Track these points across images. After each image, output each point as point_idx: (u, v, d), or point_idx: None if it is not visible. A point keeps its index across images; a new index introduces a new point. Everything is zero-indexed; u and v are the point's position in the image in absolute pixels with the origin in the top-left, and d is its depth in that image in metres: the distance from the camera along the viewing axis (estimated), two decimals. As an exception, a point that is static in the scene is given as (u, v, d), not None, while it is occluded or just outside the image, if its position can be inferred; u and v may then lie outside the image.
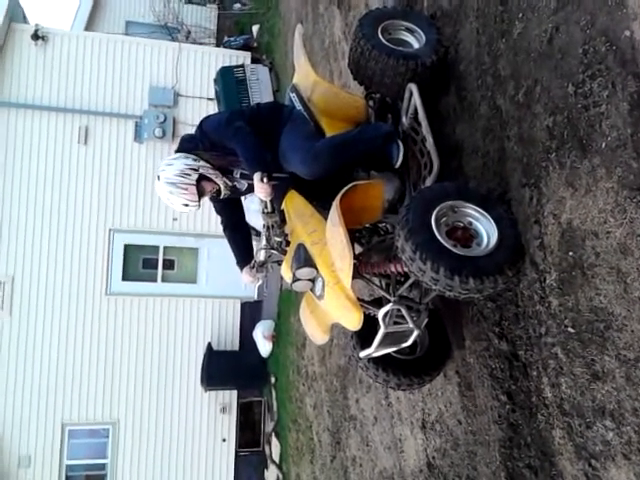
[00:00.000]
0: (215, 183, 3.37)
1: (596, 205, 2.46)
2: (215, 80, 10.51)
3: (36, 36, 10.10)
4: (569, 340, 2.66)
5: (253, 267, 3.54)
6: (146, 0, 15.05)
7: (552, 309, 2.75)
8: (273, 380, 10.05)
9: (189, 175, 3.27)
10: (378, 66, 3.48)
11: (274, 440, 9.91)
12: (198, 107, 10.91)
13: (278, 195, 3.30)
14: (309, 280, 3.09)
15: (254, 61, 11.43)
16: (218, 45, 13.59)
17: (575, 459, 2.69)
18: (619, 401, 2.41)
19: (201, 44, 13.20)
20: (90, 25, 14.84)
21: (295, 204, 3.31)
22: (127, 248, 10.37)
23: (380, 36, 3.56)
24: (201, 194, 3.33)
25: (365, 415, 5.51)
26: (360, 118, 3.67)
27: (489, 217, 2.78)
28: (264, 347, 9.93)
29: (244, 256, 3.67)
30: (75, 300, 9.99)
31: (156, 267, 10.60)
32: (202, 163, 3.34)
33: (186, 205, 3.32)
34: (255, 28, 12.19)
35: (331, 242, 2.91)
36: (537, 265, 2.83)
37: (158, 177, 3.31)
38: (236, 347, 10.60)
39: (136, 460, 10.08)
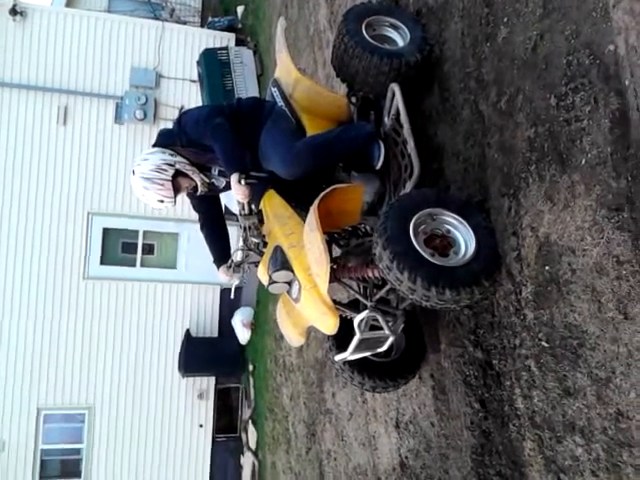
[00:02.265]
0: (192, 179, 3.31)
1: (574, 221, 2.43)
2: (198, 62, 10.33)
3: (14, 11, 9.78)
4: (542, 354, 2.66)
5: (230, 267, 3.49)
6: (130, -25, 14.72)
7: (527, 322, 2.74)
8: (251, 368, 10.05)
9: (165, 170, 3.21)
10: (361, 64, 3.42)
11: (251, 427, 9.95)
12: (180, 89, 10.73)
13: (257, 194, 3.23)
14: (286, 283, 3.05)
15: (238, 43, 11.23)
16: (202, 24, 13.35)
17: (544, 471, 2.71)
18: (589, 418, 2.42)
19: (185, 23, 12.95)
20: (72, 1, 14.47)
21: (273, 204, 3.25)
22: (106, 232, 10.23)
23: (364, 32, 3.50)
24: (177, 190, 3.27)
25: (341, 410, 5.51)
26: (342, 117, 3.61)
27: (467, 225, 2.78)
28: (243, 335, 9.91)
29: (221, 255, 3.61)
30: (52, 283, 9.84)
31: (135, 252, 10.47)
32: (179, 158, 3.28)
33: (161, 201, 3.26)
34: (240, 9, 11.96)
35: (308, 247, 2.87)
36: (513, 277, 2.81)
37: (133, 172, 3.24)
38: (215, 334, 10.53)
39: (112, 445, 10.03)
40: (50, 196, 9.91)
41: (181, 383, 10.29)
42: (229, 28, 11.61)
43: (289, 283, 3.05)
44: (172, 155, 3.27)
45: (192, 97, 10.63)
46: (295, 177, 3.20)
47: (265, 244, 3.30)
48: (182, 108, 10.49)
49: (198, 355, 9.86)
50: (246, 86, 10.15)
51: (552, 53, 2.61)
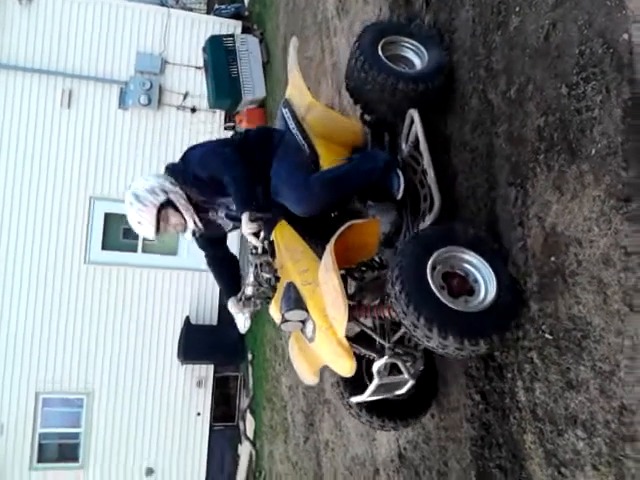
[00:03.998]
0: (182, 218, 3.13)
1: (582, 212, 2.40)
2: (204, 49, 10.28)
3: (21, -5, 9.77)
4: (546, 346, 2.63)
5: (240, 300, 3.33)
6: (137, -40, 14.63)
7: (531, 313, 2.71)
8: (250, 357, 10.05)
9: (157, 195, 3.06)
10: (377, 87, 3.25)
11: (249, 416, 9.96)
12: (185, 75, 10.67)
13: (268, 225, 3.09)
14: (299, 321, 2.89)
15: (245, 31, 11.17)
16: (209, 12, 13.27)
17: (545, 465, 2.68)
18: (592, 412, 2.39)
19: (191, 10, 12.88)
20: (78, -16, 14.40)
21: (286, 237, 3.09)
22: (108, 217, 10.19)
23: (380, 54, 3.32)
24: (163, 220, 3.10)
25: (339, 400, 5.49)
26: (357, 142, 3.50)
27: (489, 267, 2.67)
28: (242, 323, 9.87)
29: (230, 289, 3.48)
30: (53, 267, 9.83)
31: (137, 237, 10.32)
32: (177, 190, 3.11)
33: (139, 223, 3.09)
34: (247, -4, 11.92)
35: (324, 287, 2.74)
36: (518, 267, 2.78)
37: (130, 186, 3.15)
38: (214, 322, 10.51)
39: (110, 431, 10.03)
40: (52, 179, 9.89)
41: (180, 370, 10.30)
42: (235, 15, 11.55)
43: (303, 322, 2.90)
44: (172, 185, 3.12)
45: (197, 84, 10.59)
46: (310, 215, 3.08)
47: (277, 279, 3.12)
48: (187, 94, 10.45)
49: (197, 342, 9.85)
50: (252, 74, 10.11)
51: (564, 42, 2.57)
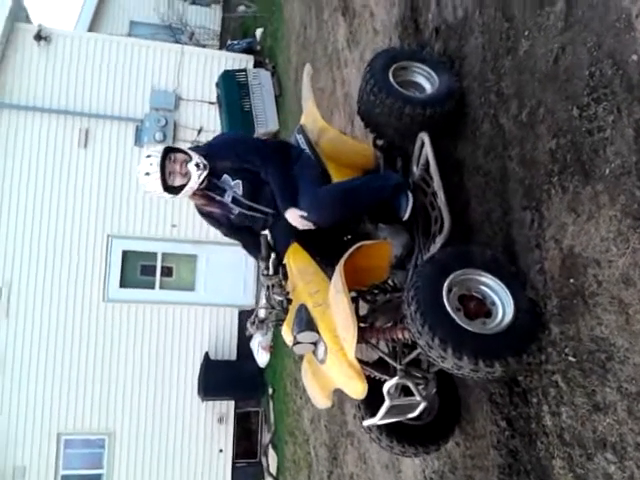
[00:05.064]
0: (187, 154, 3.22)
1: (598, 232, 2.39)
2: (217, 84, 10.47)
3: (39, 36, 10.04)
4: (570, 369, 2.59)
5: (253, 323, 3.36)
6: (150, 0, 15.05)
7: (552, 336, 2.68)
8: (270, 391, 9.98)
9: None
10: (389, 112, 3.29)
11: (271, 452, 9.83)
12: (199, 111, 10.87)
13: (281, 246, 3.20)
14: (311, 343, 2.90)
15: (257, 65, 11.38)
16: (221, 47, 13.56)
17: (575, 491, 2.62)
18: (621, 434, 2.34)
19: (204, 46, 13.17)
20: (94, 25, 14.83)
21: (297, 259, 3.14)
22: (125, 254, 10.30)
23: (391, 80, 3.37)
24: (167, 163, 3.18)
25: (362, 432, 5.42)
26: (369, 166, 3.54)
27: (505, 288, 2.65)
28: (261, 357, 9.84)
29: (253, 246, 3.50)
30: (72, 307, 9.91)
31: (154, 274, 10.53)
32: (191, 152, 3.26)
33: (147, 174, 3.19)
34: (259, 32, 12.14)
35: (334, 309, 2.76)
36: (537, 290, 2.76)
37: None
38: (233, 356, 10.50)
39: (132, 471, 9.97)
40: (71, 218, 10.03)
41: (200, 407, 10.22)
42: (248, 50, 11.78)
43: (314, 343, 2.89)
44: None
45: (211, 119, 10.76)
46: (320, 224, 3.13)
47: (289, 301, 3.17)
48: (201, 130, 10.60)
49: (217, 378, 9.81)
50: (264, 107, 10.25)
51: (574, 65, 2.60)
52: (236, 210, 3.37)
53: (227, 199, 3.34)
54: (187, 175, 3.20)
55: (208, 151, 3.33)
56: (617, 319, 2.31)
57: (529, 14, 2.93)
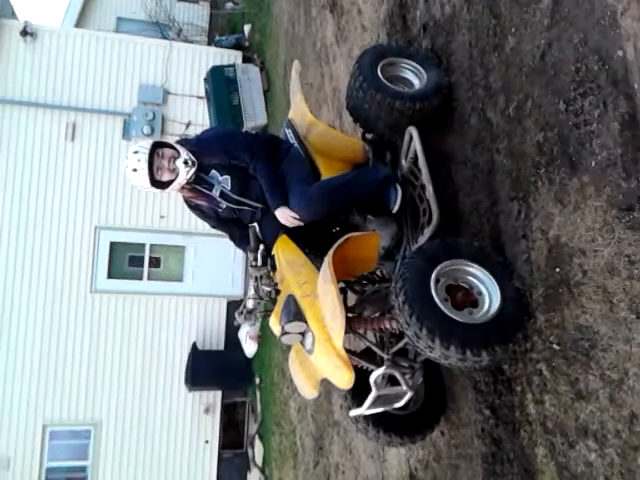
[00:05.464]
0: (174, 149, 3.22)
1: (584, 223, 2.45)
2: (205, 79, 10.47)
3: (25, 32, 10.03)
4: (554, 357, 2.65)
5: (242, 313, 3.38)
6: (138, -3, 14.95)
7: (538, 324, 2.74)
8: (258, 381, 10.02)
9: (148, 142, 3.22)
10: (377, 107, 3.34)
11: (257, 442, 9.88)
12: (187, 105, 10.89)
13: (270, 238, 3.22)
14: (299, 333, 2.93)
15: (245, 60, 11.40)
16: (209, 44, 13.52)
17: (557, 479, 2.68)
18: (602, 422, 2.40)
19: (192, 42, 13.13)
20: (81, 21, 14.71)
21: (286, 250, 3.18)
22: (113, 245, 10.30)
23: (380, 75, 3.41)
24: (155, 158, 3.18)
25: (349, 422, 5.48)
26: (358, 159, 3.55)
27: (492, 278, 2.70)
28: (249, 347, 9.84)
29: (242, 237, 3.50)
30: (59, 297, 9.90)
31: (142, 265, 10.53)
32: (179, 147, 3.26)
33: (134, 170, 3.18)
34: (247, 28, 12.13)
35: (322, 299, 2.79)
36: (523, 280, 2.81)
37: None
38: (221, 347, 10.53)
39: (118, 462, 9.97)
40: (58, 211, 10.02)
41: (187, 397, 10.26)
42: (236, 46, 11.79)
43: (302, 334, 2.92)
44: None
45: (199, 113, 10.76)
46: (309, 221, 3.17)
47: (277, 292, 3.19)
48: (189, 124, 10.59)
49: (204, 368, 9.83)
50: (253, 102, 10.27)
51: (560, 60, 2.65)
52: (224, 204, 3.38)
53: (215, 193, 3.35)
54: (175, 171, 3.21)
55: (197, 146, 3.33)
56: (601, 308, 2.37)
57: (516, 11, 2.98)
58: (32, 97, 10.07)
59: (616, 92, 2.32)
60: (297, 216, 3.11)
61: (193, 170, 3.24)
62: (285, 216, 3.14)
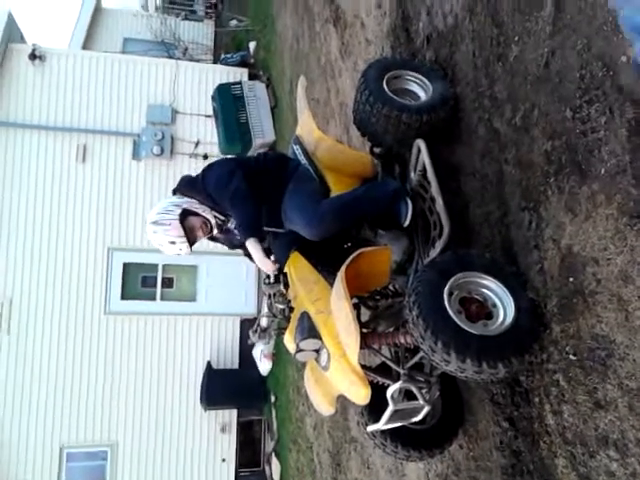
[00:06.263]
0: (204, 217, 3.27)
1: (596, 231, 2.43)
2: (213, 97, 10.55)
3: (33, 56, 10.15)
4: (571, 367, 2.62)
5: (256, 331, 3.40)
6: (143, 17, 15.16)
7: (553, 335, 2.71)
8: (273, 399, 9.97)
9: (172, 211, 3.20)
10: (384, 120, 3.34)
11: (274, 460, 9.82)
12: (196, 124, 10.95)
13: (282, 256, 3.22)
14: (314, 350, 2.92)
15: (251, 77, 11.48)
16: (215, 62, 13.66)
17: (579, 489, 2.64)
18: (622, 431, 2.37)
19: (198, 61, 13.26)
20: (88, 42, 14.92)
21: (298, 267, 3.18)
22: (126, 267, 10.34)
23: (385, 88, 3.42)
24: (190, 231, 3.23)
25: (366, 437, 5.43)
26: (367, 174, 3.55)
27: (506, 290, 2.68)
28: (264, 366, 9.87)
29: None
30: (73, 320, 9.93)
31: (155, 285, 10.56)
32: (186, 199, 3.28)
33: (173, 243, 3.20)
34: (252, 45, 12.23)
35: (336, 315, 2.78)
36: (537, 290, 2.79)
37: (146, 221, 3.28)
38: (236, 365, 10.52)
39: (135, 483, 9.94)
40: (71, 233, 10.08)
41: (203, 417, 10.23)
42: (241, 63, 11.88)
43: (317, 351, 2.92)
44: (180, 198, 3.30)
45: (208, 131, 10.83)
46: (320, 238, 3.15)
47: (291, 309, 3.19)
48: (198, 142, 10.66)
49: (220, 387, 9.82)
50: (261, 118, 10.32)
51: (565, 68, 2.64)
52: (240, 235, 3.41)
53: (231, 226, 3.37)
54: (207, 226, 3.30)
55: (208, 192, 3.33)
56: (617, 316, 2.34)
57: (518, 19, 2.98)
58: (42, 120, 10.17)
59: (622, 98, 2.30)
60: (269, 265, 3.15)
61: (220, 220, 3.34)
62: (252, 247, 3.14)
